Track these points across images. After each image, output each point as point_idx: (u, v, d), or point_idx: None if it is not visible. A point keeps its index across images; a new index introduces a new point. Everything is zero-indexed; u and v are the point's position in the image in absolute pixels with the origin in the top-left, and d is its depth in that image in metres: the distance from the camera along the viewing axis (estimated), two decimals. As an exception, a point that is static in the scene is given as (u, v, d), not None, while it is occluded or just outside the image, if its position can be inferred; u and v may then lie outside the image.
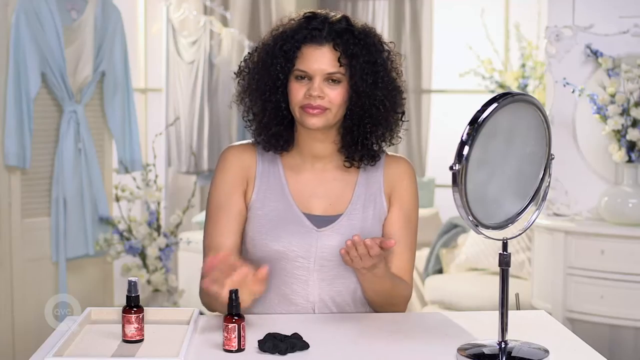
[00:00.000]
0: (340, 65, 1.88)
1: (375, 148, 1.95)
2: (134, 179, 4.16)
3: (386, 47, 1.94)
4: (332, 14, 1.93)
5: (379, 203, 1.97)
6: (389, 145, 1.99)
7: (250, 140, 2.02)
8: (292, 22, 1.93)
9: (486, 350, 1.63)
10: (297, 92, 1.88)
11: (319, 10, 1.95)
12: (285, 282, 1.93)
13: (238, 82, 1.98)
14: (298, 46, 1.89)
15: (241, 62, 1.99)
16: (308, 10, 1.95)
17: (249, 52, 1.99)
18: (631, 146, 3.72)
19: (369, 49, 1.90)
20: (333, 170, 1.98)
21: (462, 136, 1.52)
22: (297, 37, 1.89)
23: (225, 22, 5.77)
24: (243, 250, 1.99)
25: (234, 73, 1.99)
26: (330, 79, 1.88)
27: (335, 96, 1.88)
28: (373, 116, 1.92)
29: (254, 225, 1.94)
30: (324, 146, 1.95)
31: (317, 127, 1.89)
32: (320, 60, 1.87)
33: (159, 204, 4.17)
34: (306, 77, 1.88)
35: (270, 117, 1.94)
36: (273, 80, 1.91)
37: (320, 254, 1.91)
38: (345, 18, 1.92)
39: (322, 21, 1.90)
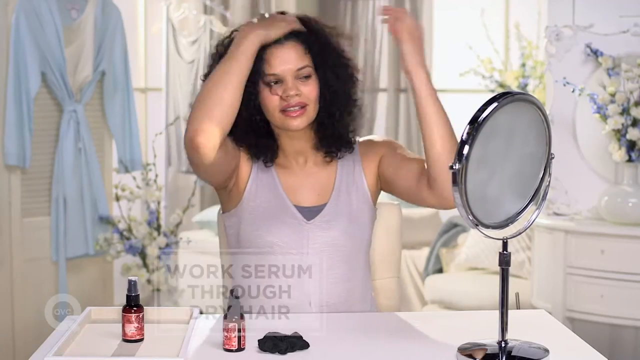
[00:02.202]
0: (308, 57, 1.90)
1: (350, 137, 2.00)
2: (134, 178, 4.16)
3: (333, 31, 1.97)
4: (274, 12, 1.95)
5: (360, 185, 2.00)
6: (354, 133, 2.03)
7: None
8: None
9: (486, 350, 1.63)
10: (272, 98, 1.90)
11: (261, 13, 1.97)
12: (279, 275, 1.94)
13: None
14: (262, 50, 1.88)
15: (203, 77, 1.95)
16: (251, 19, 1.94)
17: (209, 66, 1.95)
18: (631, 145, 3.72)
19: (326, 37, 1.94)
20: (315, 163, 2.01)
21: (462, 135, 1.52)
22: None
23: (225, 21, 5.76)
24: (235, 243, 2.00)
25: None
26: (301, 75, 1.89)
27: (309, 91, 1.90)
28: (343, 104, 1.96)
29: (246, 217, 1.96)
30: (302, 143, 1.99)
31: (300, 128, 1.91)
32: (287, 59, 1.89)
33: (159, 203, 4.17)
34: (277, 80, 1.89)
35: (249, 130, 1.95)
36: (244, 94, 1.88)
37: (312, 245, 1.92)
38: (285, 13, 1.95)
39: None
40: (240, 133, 1.94)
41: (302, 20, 1.94)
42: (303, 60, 1.90)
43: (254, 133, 1.96)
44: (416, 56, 1.86)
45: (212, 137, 1.78)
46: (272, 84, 1.89)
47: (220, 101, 1.80)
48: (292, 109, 1.89)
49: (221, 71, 1.83)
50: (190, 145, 1.79)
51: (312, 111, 1.92)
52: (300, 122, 1.90)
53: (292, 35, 1.90)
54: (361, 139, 2.07)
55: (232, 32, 1.94)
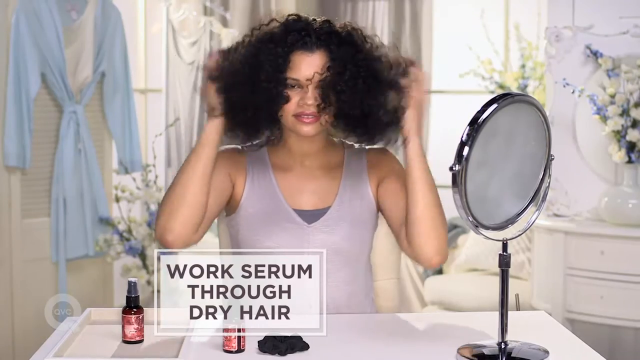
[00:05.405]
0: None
1: (384, 119, 1.86)
2: (134, 179, 4.16)
3: (369, 41, 1.92)
4: (313, 17, 1.92)
5: (365, 195, 1.99)
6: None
7: (235, 146, 2.02)
8: (275, 23, 1.89)
9: (486, 351, 1.64)
10: (290, 100, 1.88)
11: (301, 14, 1.92)
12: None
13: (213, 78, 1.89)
14: (289, 52, 1.87)
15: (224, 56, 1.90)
16: (291, 14, 1.91)
17: (228, 52, 1.90)
18: (631, 147, 3.72)
19: (357, 49, 1.90)
20: (320, 166, 2.00)
21: (462, 137, 1.52)
22: (287, 41, 1.86)
23: (225, 22, 5.77)
24: (236, 245, 2.00)
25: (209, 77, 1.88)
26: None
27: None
28: (361, 109, 1.92)
29: (245, 223, 1.95)
30: (312, 145, 1.97)
31: (311, 135, 1.90)
32: (312, 67, 1.87)
33: (159, 204, 4.17)
34: (297, 85, 1.88)
35: (261, 122, 1.93)
36: (267, 90, 1.88)
37: (313, 249, 1.92)
38: (327, 21, 1.91)
39: (306, 26, 1.88)
40: (260, 125, 1.93)
41: (336, 27, 1.89)
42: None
43: (271, 124, 1.93)
44: (416, 124, 1.86)
45: (180, 235, 1.85)
46: (291, 86, 1.89)
47: (183, 200, 1.84)
48: (306, 116, 1.88)
49: (184, 167, 1.87)
50: (161, 241, 1.86)
51: (324, 120, 1.91)
52: (311, 128, 1.89)
53: (322, 44, 1.88)
54: (369, 147, 2.03)
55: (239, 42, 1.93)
